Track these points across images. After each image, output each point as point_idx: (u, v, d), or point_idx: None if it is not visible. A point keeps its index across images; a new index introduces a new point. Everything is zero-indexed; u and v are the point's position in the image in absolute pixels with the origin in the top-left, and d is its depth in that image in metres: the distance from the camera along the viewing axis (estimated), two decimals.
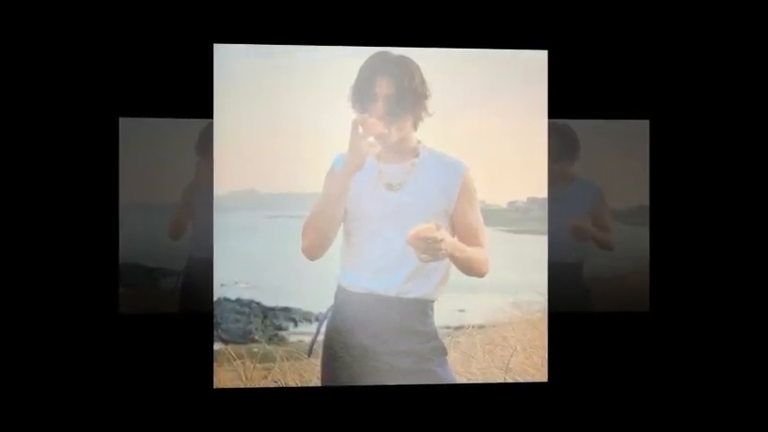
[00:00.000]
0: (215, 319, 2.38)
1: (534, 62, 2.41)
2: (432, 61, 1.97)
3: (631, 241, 2.53)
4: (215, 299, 2.37)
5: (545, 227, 2.42)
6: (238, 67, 2.34)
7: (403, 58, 1.91)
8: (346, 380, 1.91)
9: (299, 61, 2.35)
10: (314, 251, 1.89)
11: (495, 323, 2.47)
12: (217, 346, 2.39)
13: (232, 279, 2.41)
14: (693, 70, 2.59)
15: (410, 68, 1.90)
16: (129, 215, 2.43)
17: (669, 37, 2.57)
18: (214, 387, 2.36)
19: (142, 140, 2.44)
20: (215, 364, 2.37)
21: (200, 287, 2.41)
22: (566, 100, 2.49)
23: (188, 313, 2.46)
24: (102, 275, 2.43)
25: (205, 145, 2.43)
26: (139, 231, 2.43)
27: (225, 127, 2.34)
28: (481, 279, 1.93)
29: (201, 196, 2.43)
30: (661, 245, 2.56)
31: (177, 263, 2.49)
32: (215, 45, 2.35)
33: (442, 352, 1.93)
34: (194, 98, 2.42)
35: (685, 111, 2.58)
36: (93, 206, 2.43)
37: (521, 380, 2.40)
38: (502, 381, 2.41)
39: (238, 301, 2.48)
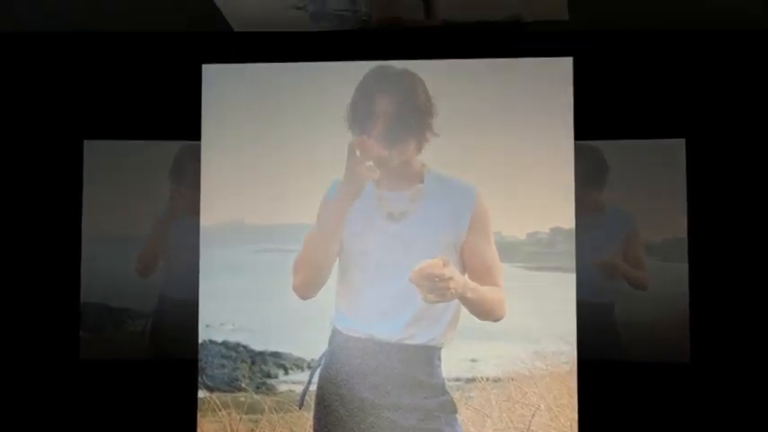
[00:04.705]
0: (199, 364, 2.32)
1: (558, 72, 2.32)
2: (438, 74, 1.94)
3: (668, 280, 2.47)
4: (200, 341, 2.32)
5: (572, 263, 2.30)
6: (226, 89, 2.31)
7: (405, 72, 1.88)
8: None
9: (290, 80, 2.30)
10: (306, 289, 1.86)
11: (514, 376, 2.35)
12: (200, 393, 2.32)
13: (218, 320, 2.35)
14: (735, 82, 2.48)
15: (413, 83, 1.86)
16: (93, 248, 2.42)
17: (706, 44, 2.49)
18: None
19: (109, 165, 2.44)
20: (198, 414, 2.30)
21: (173, 331, 2.39)
22: (590, 118, 2.40)
23: (159, 359, 2.43)
24: (60, 317, 2.40)
25: (180, 170, 2.43)
26: (104, 267, 2.42)
27: (212, 153, 2.30)
28: (497, 324, 1.87)
29: (176, 228, 2.42)
30: (702, 284, 2.46)
31: (146, 303, 2.46)
32: (203, 65, 2.32)
33: (452, 409, 1.84)
34: (167, 119, 2.43)
35: (726, 127, 2.49)
36: (52, 238, 2.42)
37: None
38: None
39: (224, 344, 2.40)
